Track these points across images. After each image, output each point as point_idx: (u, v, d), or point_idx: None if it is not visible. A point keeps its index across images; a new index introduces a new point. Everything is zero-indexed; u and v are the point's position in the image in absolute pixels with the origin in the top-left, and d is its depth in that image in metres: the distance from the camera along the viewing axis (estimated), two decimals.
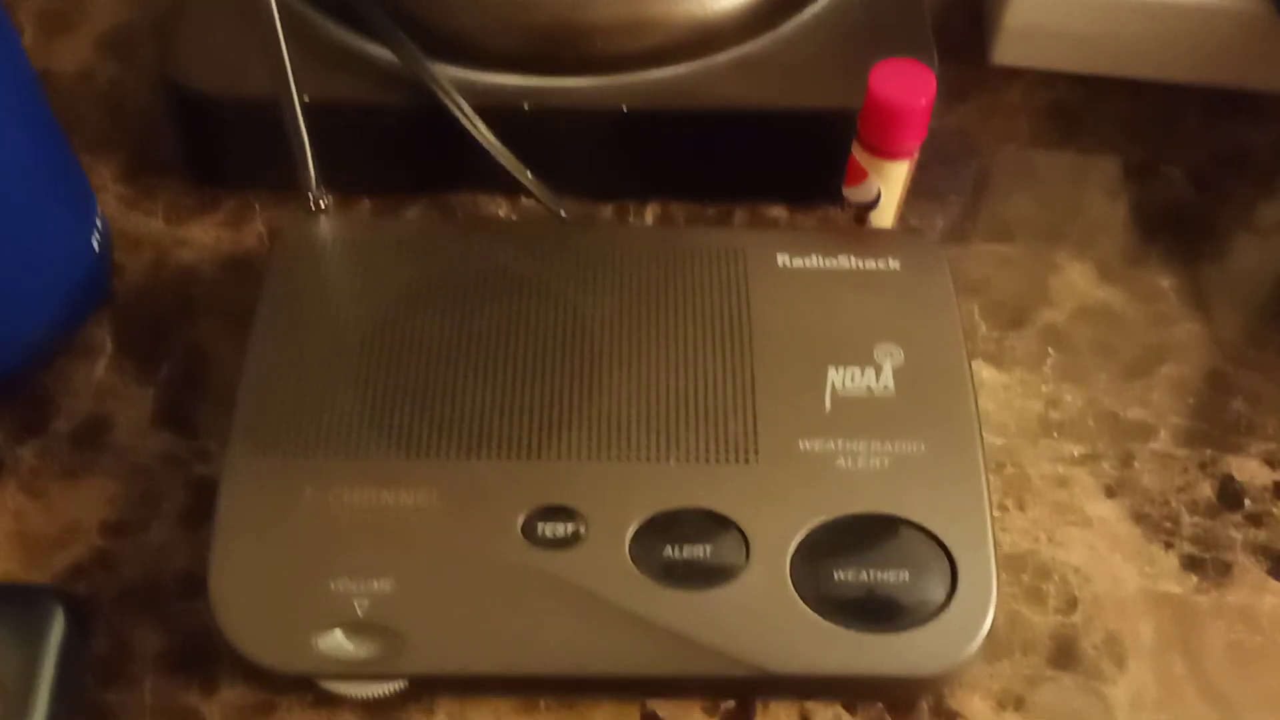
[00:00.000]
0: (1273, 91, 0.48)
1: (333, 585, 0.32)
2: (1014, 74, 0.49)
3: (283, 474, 0.33)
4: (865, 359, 0.36)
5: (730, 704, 0.34)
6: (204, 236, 0.43)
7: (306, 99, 0.36)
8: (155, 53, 0.47)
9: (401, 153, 0.43)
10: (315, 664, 0.31)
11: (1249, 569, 0.37)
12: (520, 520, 0.33)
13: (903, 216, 0.42)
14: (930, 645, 0.32)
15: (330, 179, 0.39)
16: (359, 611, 0.32)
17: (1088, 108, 0.48)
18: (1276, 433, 0.40)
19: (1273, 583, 0.37)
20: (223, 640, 0.32)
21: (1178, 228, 0.45)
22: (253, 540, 0.32)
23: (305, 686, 0.33)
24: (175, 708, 0.34)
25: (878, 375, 0.36)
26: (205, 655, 0.34)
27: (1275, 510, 0.38)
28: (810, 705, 0.34)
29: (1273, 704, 0.34)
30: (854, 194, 0.40)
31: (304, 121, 0.37)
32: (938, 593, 0.32)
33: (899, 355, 0.36)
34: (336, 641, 0.31)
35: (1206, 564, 0.37)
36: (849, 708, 0.34)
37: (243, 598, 0.32)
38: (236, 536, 0.32)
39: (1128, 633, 0.36)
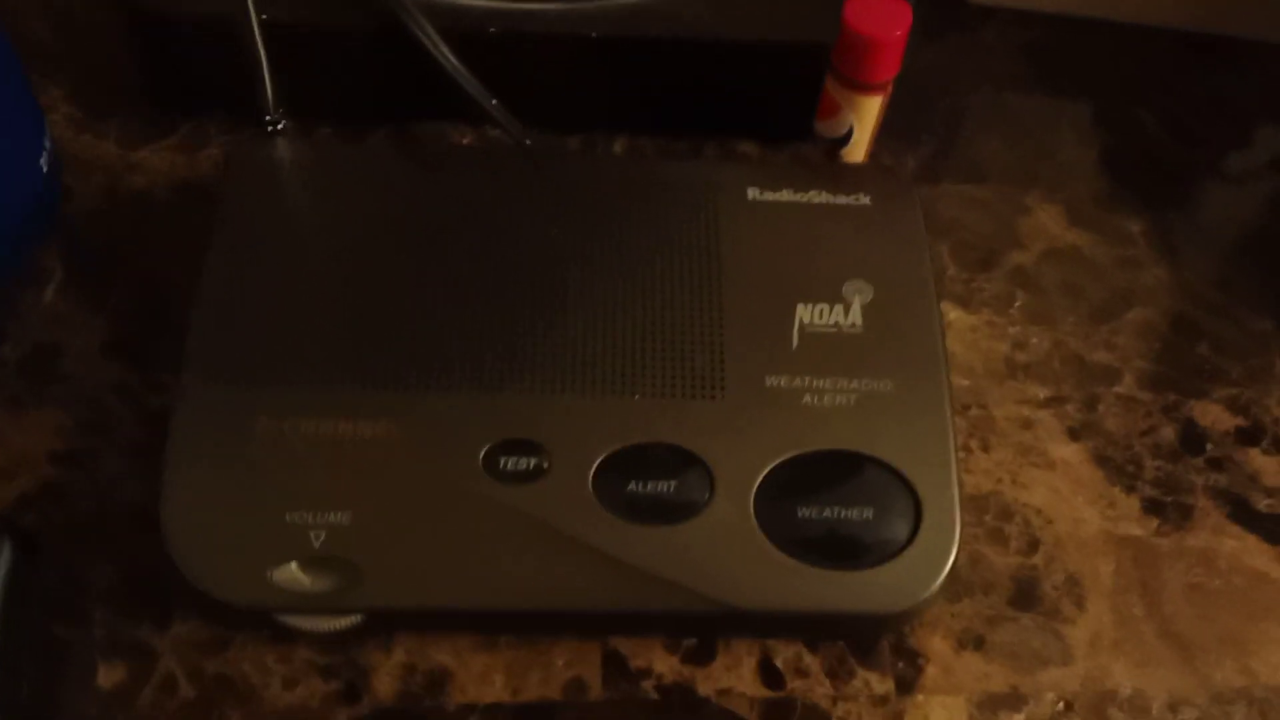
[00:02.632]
0: (1251, 37, 0.47)
1: (288, 517, 0.31)
2: (990, 13, 0.48)
3: (237, 403, 0.33)
4: (834, 295, 0.35)
5: (692, 642, 0.34)
6: (158, 161, 0.42)
7: (265, 18, 0.35)
8: None
9: (364, 78, 0.42)
10: (270, 597, 0.31)
11: (1209, 512, 0.37)
12: (482, 453, 0.32)
13: (874, 155, 0.41)
14: (893, 583, 0.32)
15: (291, 105, 0.38)
16: (315, 544, 0.31)
17: (1063, 49, 0.48)
18: (1240, 378, 0.40)
19: (1232, 526, 0.37)
20: (176, 573, 0.31)
21: (1149, 172, 0.45)
22: (206, 471, 0.32)
23: (261, 621, 0.32)
24: (127, 642, 0.33)
25: (846, 312, 0.35)
26: (158, 589, 0.33)
27: (1236, 455, 0.38)
28: (772, 644, 0.34)
29: (1229, 645, 0.35)
30: (826, 128, 0.39)
31: (263, 43, 0.36)
32: (901, 531, 0.32)
33: (868, 292, 0.36)
34: (292, 574, 0.31)
35: (1167, 507, 0.37)
36: (810, 647, 0.34)
37: (196, 530, 0.31)
38: (189, 467, 0.32)
39: (1088, 574, 0.36)
